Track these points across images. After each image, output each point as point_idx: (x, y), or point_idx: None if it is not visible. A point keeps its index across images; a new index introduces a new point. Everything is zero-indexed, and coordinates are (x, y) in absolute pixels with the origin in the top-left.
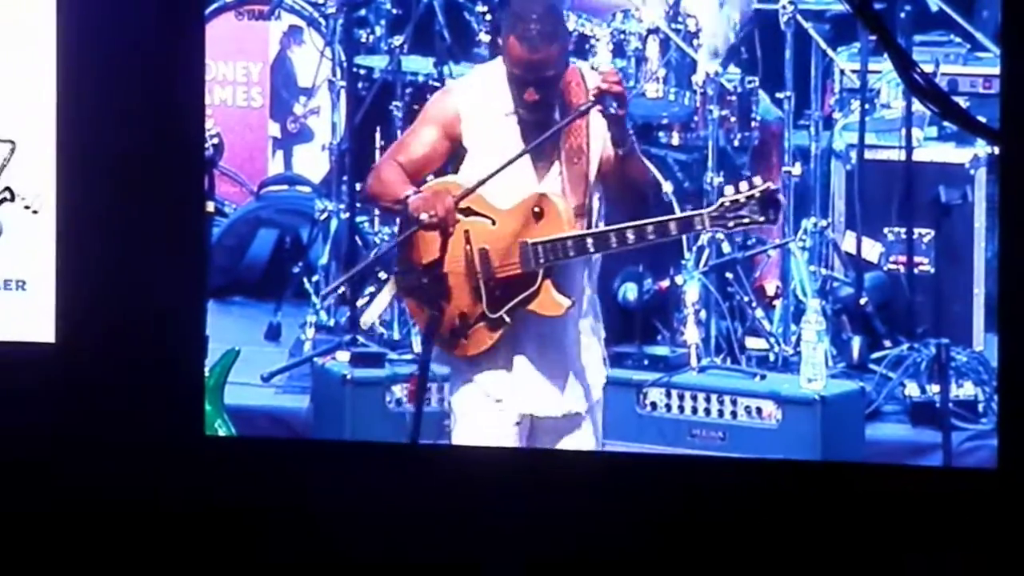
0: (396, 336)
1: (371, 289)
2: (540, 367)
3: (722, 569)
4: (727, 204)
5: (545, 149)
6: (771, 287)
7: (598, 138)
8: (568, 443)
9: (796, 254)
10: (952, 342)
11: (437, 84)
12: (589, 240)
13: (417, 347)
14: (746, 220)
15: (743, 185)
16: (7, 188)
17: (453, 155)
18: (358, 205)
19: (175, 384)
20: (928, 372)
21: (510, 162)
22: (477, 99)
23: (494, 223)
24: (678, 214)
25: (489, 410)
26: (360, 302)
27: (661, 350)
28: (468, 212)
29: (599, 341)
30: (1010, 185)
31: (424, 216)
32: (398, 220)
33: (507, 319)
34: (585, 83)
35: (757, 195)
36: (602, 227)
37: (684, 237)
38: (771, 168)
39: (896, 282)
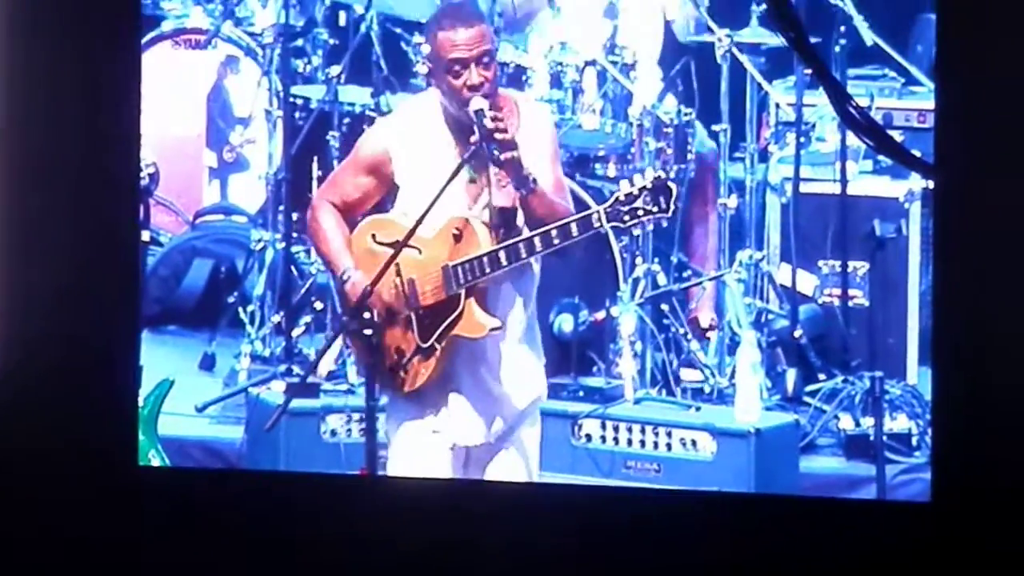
0: (331, 367)
1: (307, 319)
2: (472, 396)
3: None
4: (621, 198)
5: (474, 173)
6: (705, 319)
7: (528, 161)
8: (500, 465)
9: (731, 286)
10: (886, 375)
11: (374, 114)
12: (501, 253)
13: (352, 377)
14: (640, 212)
15: (636, 178)
16: None
17: (387, 193)
18: (294, 235)
19: (109, 413)
20: (862, 405)
21: (435, 200)
22: (405, 135)
23: (421, 252)
24: (575, 215)
25: (425, 440)
26: (296, 332)
27: (596, 381)
28: (397, 245)
29: (537, 364)
30: (944, 219)
31: (374, 315)
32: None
33: (438, 347)
34: (519, 110)
35: (648, 186)
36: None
37: (620, 268)
38: (707, 200)
39: (831, 315)
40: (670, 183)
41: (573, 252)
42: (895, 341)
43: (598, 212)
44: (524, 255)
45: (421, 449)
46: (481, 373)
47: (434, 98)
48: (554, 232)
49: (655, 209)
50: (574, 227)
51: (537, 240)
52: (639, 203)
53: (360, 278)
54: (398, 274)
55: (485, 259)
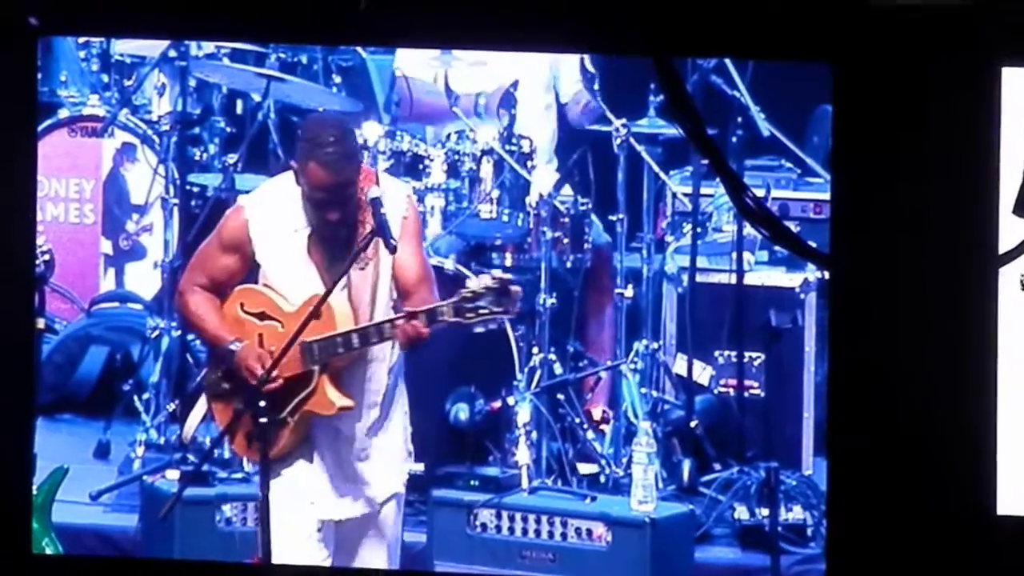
0: (227, 455)
1: None
2: (332, 472)
3: None
4: (466, 295)
5: (335, 253)
6: (598, 412)
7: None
8: (366, 545)
9: (627, 376)
10: (781, 465)
11: None
12: (354, 336)
13: (248, 466)
14: (485, 311)
15: (483, 277)
16: None
17: (250, 270)
18: None
19: (2, 502)
20: (758, 495)
21: (333, 286)
22: (266, 218)
23: (282, 326)
24: (427, 306)
25: (297, 512)
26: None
27: (492, 471)
28: (262, 316)
29: (396, 460)
30: (839, 309)
31: (256, 380)
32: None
33: (290, 420)
34: (377, 178)
35: (494, 286)
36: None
37: (517, 357)
38: (603, 290)
39: (726, 405)
40: (513, 286)
41: (472, 340)
42: (790, 431)
43: (445, 306)
44: (374, 340)
45: (293, 522)
46: (342, 452)
47: (291, 179)
48: (400, 321)
49: (499, 309)
50: (422, 317)
51: (387, 327)
52: (483, 301)
53: (243, 348)
54: (260, 345)
55: (339, 339)
